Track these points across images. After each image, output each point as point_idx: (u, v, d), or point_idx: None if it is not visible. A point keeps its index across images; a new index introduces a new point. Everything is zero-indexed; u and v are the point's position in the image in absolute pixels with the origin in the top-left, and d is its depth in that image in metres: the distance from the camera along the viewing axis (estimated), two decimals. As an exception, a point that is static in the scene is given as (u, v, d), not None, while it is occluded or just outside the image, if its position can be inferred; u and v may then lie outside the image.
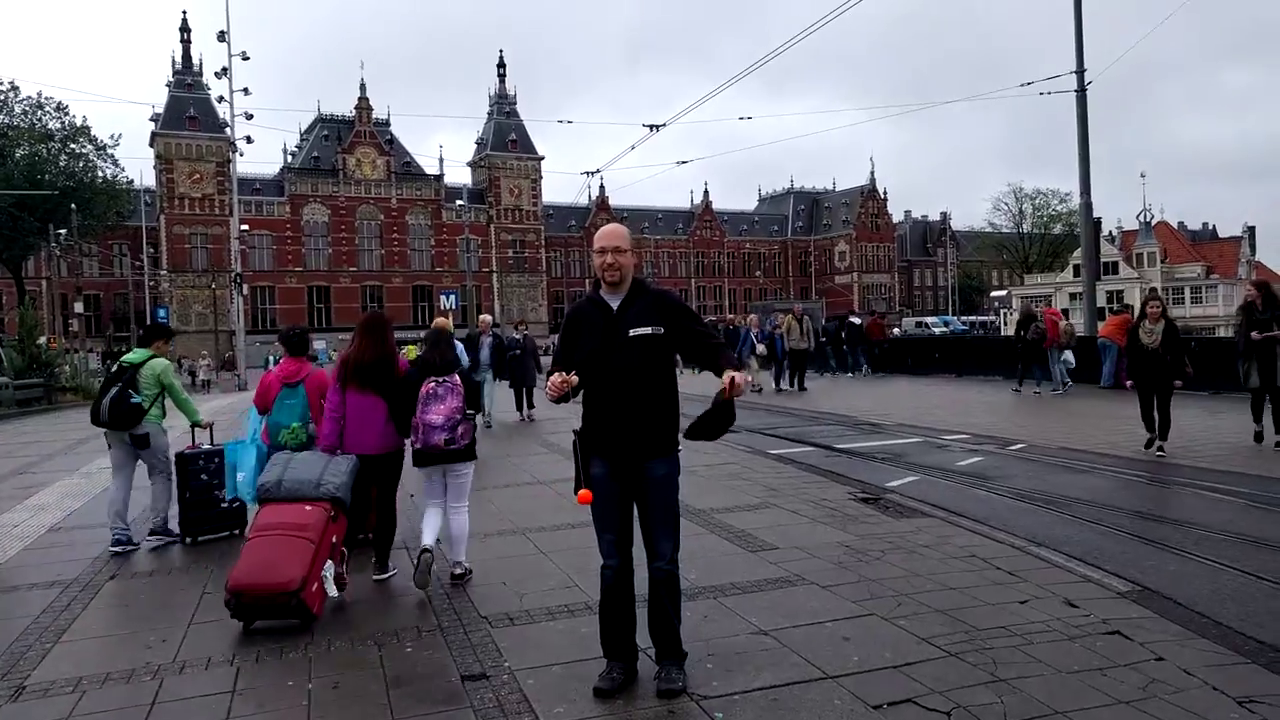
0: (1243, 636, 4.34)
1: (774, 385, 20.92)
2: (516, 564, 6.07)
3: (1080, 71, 20.49)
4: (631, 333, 3.81)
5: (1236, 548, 6.00)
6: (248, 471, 6.66)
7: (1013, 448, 10.88)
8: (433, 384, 5.54)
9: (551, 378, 3.76)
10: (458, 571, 5.70)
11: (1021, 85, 24.02)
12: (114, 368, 7.41)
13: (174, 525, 7.13)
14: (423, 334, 9.37)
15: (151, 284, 64.36)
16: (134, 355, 7.28)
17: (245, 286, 41.31)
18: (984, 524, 6.77)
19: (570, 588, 5.34)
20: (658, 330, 3.82)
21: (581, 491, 3.80)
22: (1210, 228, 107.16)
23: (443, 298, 41.53)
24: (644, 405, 3.82)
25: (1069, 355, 17.74)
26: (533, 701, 3.76)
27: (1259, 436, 10.03)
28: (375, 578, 5.77)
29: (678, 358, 4.07)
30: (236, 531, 7.16)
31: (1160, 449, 9.69)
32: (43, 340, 32.04)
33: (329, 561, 5.09)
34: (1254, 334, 9.72)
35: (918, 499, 7.75)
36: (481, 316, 12.80)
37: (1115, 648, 4.18)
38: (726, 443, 12.01)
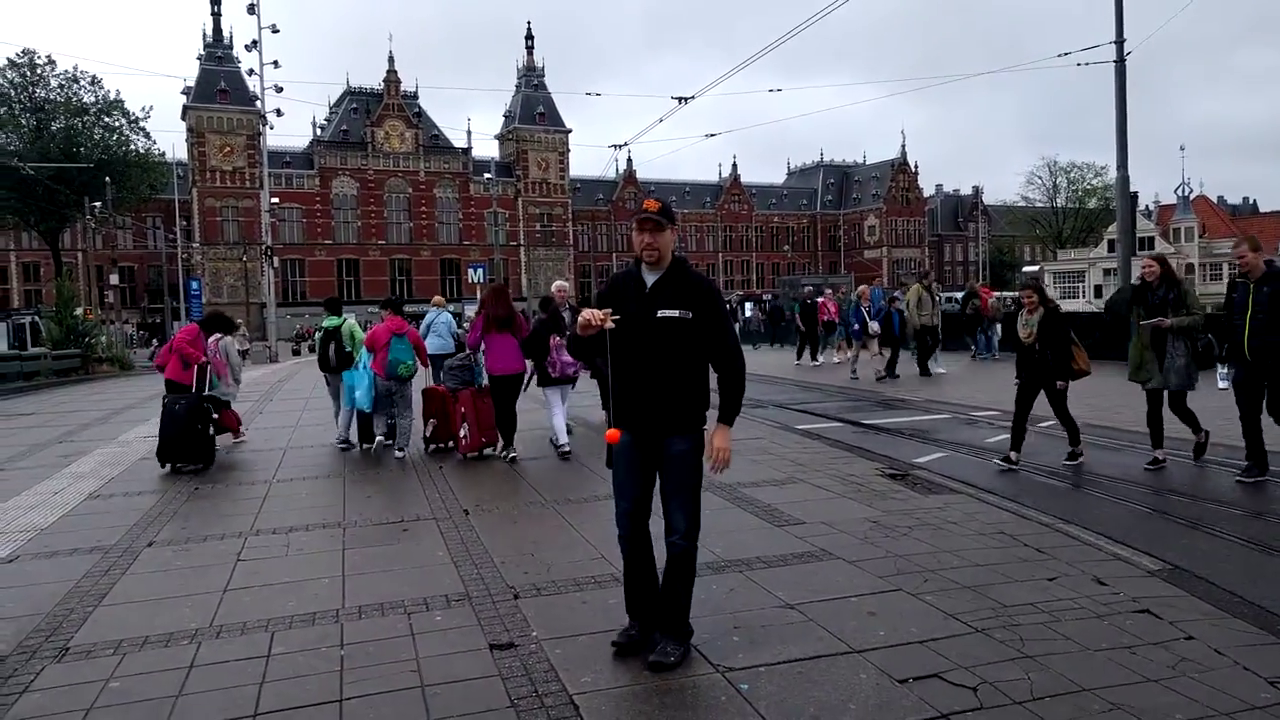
0: (1275, 616, 4.29)
1: (892, 371, 16.36)
2: (545, 535, 6.14)
3: (1120, 42, 19.99)
4: (660, 313, 3.79)
5: (1270, 527, 5.92)
6: (363, 389, 9.63)
7: (1042, 425, 10.76)
8: (559, 339, 8.78)
9: (586, 311, 3.76)
10: (566, 450, 9.02)
11: (1059, 55, 23.48)
12: (321, 333, 10.80)
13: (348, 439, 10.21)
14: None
15: (184, 256, 65.15)
16: (332, 321, 10.60)
17: (276, 259, 41.66)
18: (1012, 501, 6.74)
19: (597, 559, 5.39)
20: (685, 314, 3.79)
21: (610, 430, 3.84)
22: (1251, 202, 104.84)
23: (471, 271, 41.72)
24: (667, 385, 3.82)
25: (997, 328, 20.70)
26: (560, 671, 3.80)
27: (1157, 461, 7.90)
28: (507, 457, 8.98)
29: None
30: (366, 445, 10.16)
31: (1072, 456, 8.20)
32: (79, 311, 32.61)
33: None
34: (1141, 320, 7.88)
35: (945, 475, 7.71)
36: (557, 284, 9.93)
37: (1145, 626, 4.15)
38: (754, 418, 11.99)
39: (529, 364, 9.25)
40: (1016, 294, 15.16)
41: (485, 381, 9.32)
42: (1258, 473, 7.22)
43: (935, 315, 16.66)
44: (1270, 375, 7.10)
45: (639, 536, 3.97)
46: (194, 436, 9.04)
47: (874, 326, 16.15)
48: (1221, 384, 7.63)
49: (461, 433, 9.25)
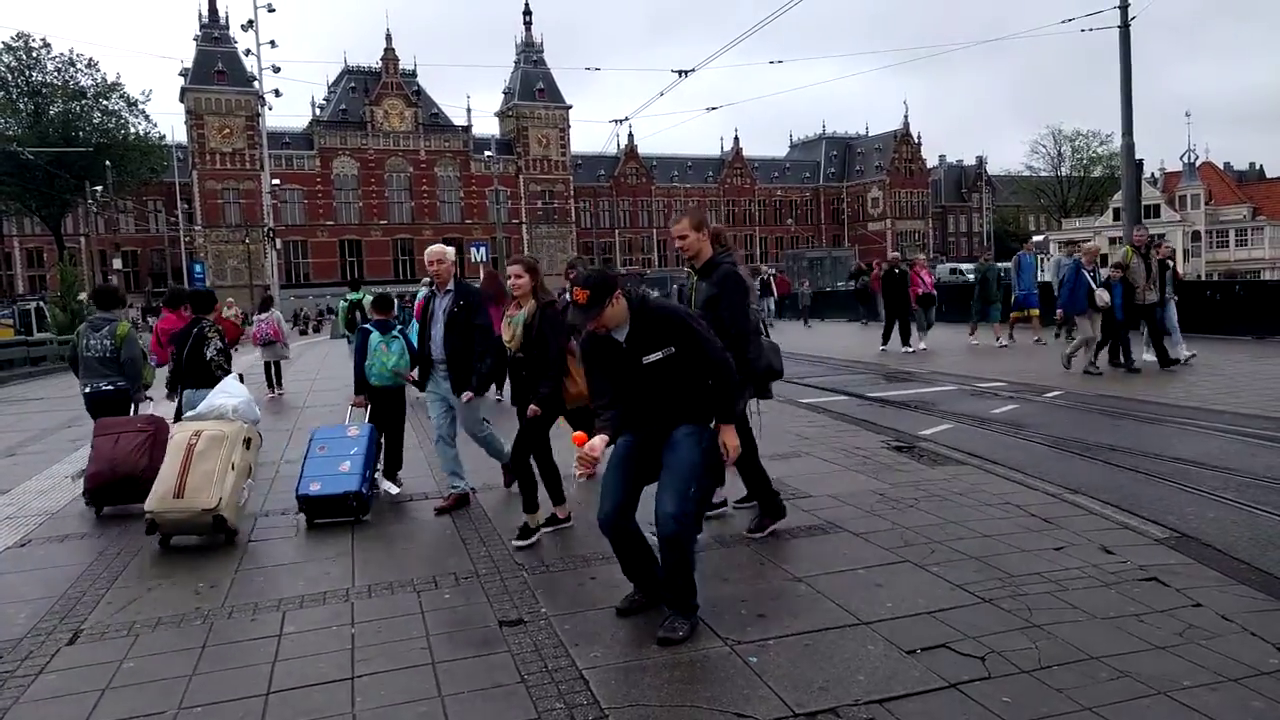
0: (1283, 583, 4.29)
1: (1110, 358, 12.76)
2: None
3: (1124, 6, 19.78)
4: (646, 360, 3.91)
5: (1278, 493, 5.91)
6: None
7: (1049, 395, 10.76)
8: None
9: (583, 454, 3.85)
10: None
11: (1063, 21, 23.19)
12: (347, 304, 13.43)
13: None
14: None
15: (187, 239, 65.11)
16: (354, 296, 13.36)
17: (278, 241, 41.61)
18: (1019, 471, 6.73)
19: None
20: (669, 351, 3.90)
21: (576, 434, 4.03)
22: (1258, 168, 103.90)
23: (473, 250, 41.63)
24: (672, 398, 3.96)
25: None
26: (569, 646, 3.83)
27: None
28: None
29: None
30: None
31: (533, 532, 5.45)
32: (83, 296, 32.64)
33: None
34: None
35: (952, 447, 7.70)
36: (433, 249, 6.45)
37: (1152, 594, 4.16)
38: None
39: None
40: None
41: None
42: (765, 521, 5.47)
43: (1151, 290, 12.52)
44: None
45: (621, 533, 4.03)
46: None
47: (1103, 296, 12.17)
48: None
49: None
